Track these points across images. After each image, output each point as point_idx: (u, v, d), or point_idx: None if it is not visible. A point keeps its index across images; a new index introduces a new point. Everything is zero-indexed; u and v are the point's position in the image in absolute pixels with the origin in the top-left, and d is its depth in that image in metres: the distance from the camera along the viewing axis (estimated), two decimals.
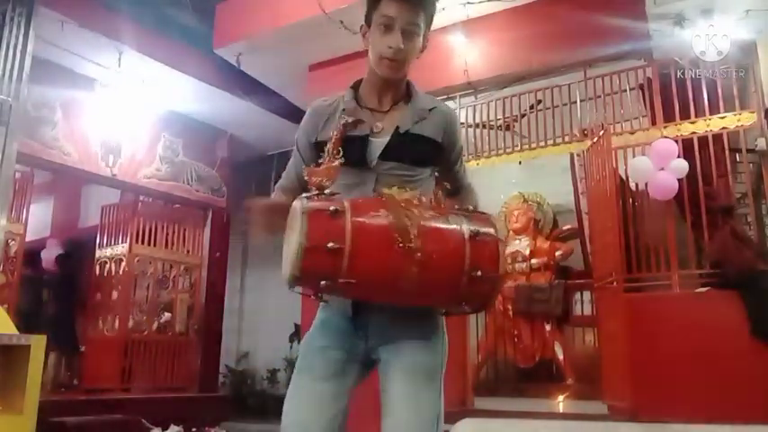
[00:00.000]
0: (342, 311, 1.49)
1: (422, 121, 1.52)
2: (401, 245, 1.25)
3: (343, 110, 1.52)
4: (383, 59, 1.48)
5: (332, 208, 1.26)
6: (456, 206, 1.45)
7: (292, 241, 1.26)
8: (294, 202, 1.32)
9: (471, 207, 1.44)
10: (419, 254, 1.25)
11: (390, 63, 1.48)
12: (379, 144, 1.49)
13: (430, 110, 1.55)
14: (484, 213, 1.44)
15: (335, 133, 1.45)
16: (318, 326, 1.54)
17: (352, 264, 1.24)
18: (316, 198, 1.31)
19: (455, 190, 1.67)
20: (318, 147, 1.51)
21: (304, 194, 1.33)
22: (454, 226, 1.34)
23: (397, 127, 1.50)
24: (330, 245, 1.23)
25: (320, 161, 1.42)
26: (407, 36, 1.47)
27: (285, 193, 1.60)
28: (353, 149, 1.46)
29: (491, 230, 1.36)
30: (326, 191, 1.33)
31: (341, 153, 1.42)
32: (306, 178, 1.38)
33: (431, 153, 1.54)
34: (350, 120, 1.48)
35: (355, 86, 1.58)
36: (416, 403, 1.40)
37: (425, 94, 1.59)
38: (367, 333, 1.48)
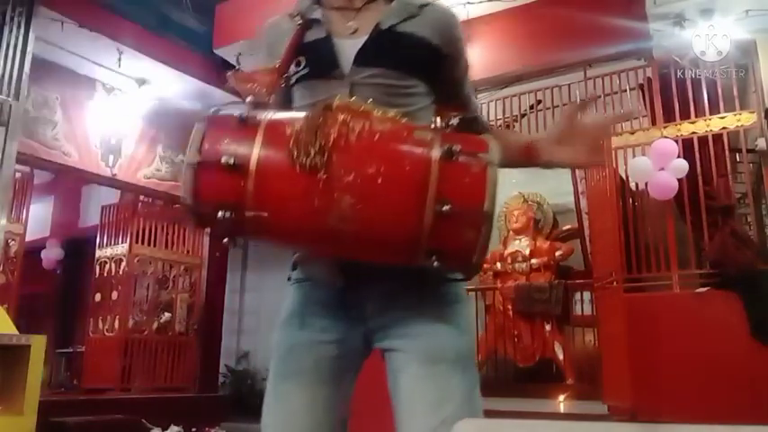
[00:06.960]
0: (327, 282, 1.10)
1: (411, 18, 1.15)
2: (296, 159, 0.89)
3: (298, 14, 1.17)
4: None
5: (238, 113, 0.93)
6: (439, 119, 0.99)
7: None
8: None
9: (458, 120, 1.00)
10: (323, 173, 0.88)
11: None
12: (351, 45, 1.13)
13: (420, 6, 1.17)
14: (474, 133, 1.05)
15: (287, 40, 1.12)
16: (297, 312, 1.14)
17: (260, 187, 0.90)
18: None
19: (463, 122, 1.17)
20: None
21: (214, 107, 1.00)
22: (419, 139, 0.94)
23: (378, 23, 1.14)
24: (225, 159, 0.89)
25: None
26: None
27: None
28: (317, 56, 1.13)
29: (479, 151, 0.94)
30: (255, 101, 0.98)
31: (303, 64, 1.11)
32: (235, 86, 1.03)
33: (425, 57, 1.14)
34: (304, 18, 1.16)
35: None
36: (439, 403, 1.04)
37: None
38: (364, 312, 1.10)
